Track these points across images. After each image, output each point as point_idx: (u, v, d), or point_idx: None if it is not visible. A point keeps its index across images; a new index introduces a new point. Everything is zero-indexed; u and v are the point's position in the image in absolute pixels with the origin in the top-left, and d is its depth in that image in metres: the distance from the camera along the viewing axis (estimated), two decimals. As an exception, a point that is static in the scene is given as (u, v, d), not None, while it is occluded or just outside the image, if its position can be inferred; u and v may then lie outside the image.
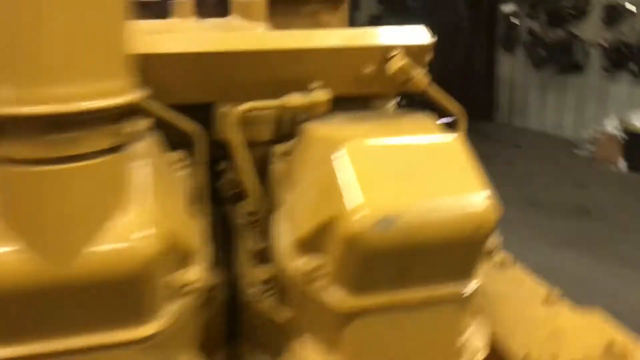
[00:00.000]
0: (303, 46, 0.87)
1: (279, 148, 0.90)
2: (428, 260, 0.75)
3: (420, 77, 0.88)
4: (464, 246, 0.76)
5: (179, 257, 0.73)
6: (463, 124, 0.93)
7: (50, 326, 0.67)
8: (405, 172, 0.74)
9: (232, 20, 1.02)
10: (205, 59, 0.85)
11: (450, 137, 0.80)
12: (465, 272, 0.79)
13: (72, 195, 0.63)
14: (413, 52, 0.88)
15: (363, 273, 0.73)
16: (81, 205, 0.64)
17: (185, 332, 0.78)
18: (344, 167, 0.74)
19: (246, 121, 0.85)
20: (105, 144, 0.64)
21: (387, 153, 0.76)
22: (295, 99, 0.86)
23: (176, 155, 0.86)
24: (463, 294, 0.79)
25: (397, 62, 0.86)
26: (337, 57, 0.87)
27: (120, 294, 0.67)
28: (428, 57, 0.91)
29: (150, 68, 0.77)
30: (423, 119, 0.88)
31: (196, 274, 0.75)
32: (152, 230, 0.66)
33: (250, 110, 0.86)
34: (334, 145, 0.76)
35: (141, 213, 0.66)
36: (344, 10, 1.10)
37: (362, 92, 0.92)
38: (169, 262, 0.70)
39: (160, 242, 0.66)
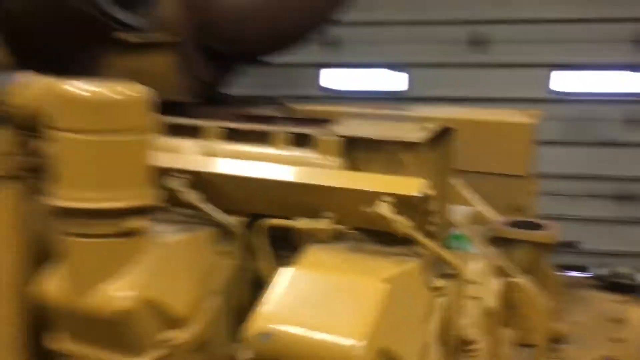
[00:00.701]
0: (314, 182, 1.06)
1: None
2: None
3: (400, 225, 0.97)
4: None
5: (163, 317, 1.01)
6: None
7: (75, 335, 1.03)
8: (311, 303, 0.87)
9: (307, 154, 1.24)
10: (251, 182, 1.12)
11: (372, 285, 0.90)
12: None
13: (92, 257, 0.98)
14: (404, 201, 0.98)
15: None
16: (96, 264, 0.98)
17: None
18: (278, 284, 0.92)
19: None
20: (112, 230, 0.97)
21: (313, 284, 0.90)
22: (301, 223, 1.06)
23: (220, 247, 1.14)
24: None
25: (379, 208, 0.98)
26: (338, 195, 1.04)
27: (110, 329, 0.98)
28: (424, 207, 0.99)
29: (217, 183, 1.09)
30: (386, 260, 0.98)
31: (177, 334, 1.02)
32: (131, 294, 0.95)
33: (272, 225, 1.09)
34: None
35: (129, 281, 0.97)
36: (422, 151, 1.22)
37: (361, 226, 1.05)
38: (148, 318, 0.98)
39: (134, 302, 0.95)
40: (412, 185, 1.01)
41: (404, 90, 8.18)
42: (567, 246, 1.82)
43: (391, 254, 1.02)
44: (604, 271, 2.00)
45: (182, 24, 1.92)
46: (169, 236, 1.06)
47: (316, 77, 8.34)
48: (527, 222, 1.54)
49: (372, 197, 1.01)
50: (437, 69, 7.80)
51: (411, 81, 8.02)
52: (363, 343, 0.82)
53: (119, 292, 0.96)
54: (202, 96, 2.13)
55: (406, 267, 0.98)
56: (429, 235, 1.03)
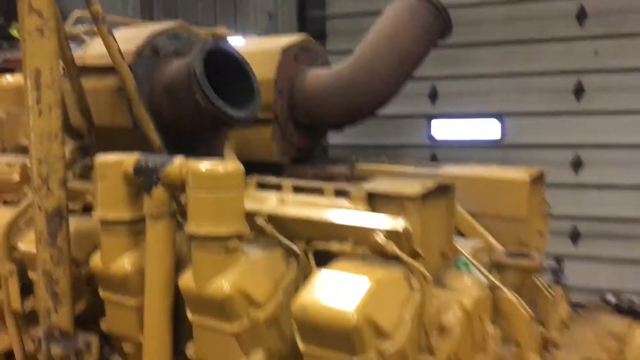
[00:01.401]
0: (341, 222, 1.69)
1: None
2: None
3: (389, 247, 1.56)
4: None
5: (249, 300, 1.67)
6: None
7: (197, 311, 1.72)
8: (332, 290, 1.50)
9: (344, 203, 1.88)
10: (305, 220, 1.78)
11: (368, 280, 1.50)
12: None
13: (209, 263, 1.68)
14: (392, 233, 1.58)
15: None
16: (211, 268, 1.67)
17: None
18: (314, 279, 1.56)
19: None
20: (221, 247, 1.66)
21: (335, 279, 1.53)
22: (334, 246, 1.70)
23: (286, 261, 1.80)
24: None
25: (378, 237, 1.58)
26: (355, 229, 1.66)
27: (218, 307, 1.66)
28: (407, 237, 1.58)
29: (285, 220, 1.77)
30: (381, 267, 1.58)
31: (259, 313, 1.67)
32: (230, 285, 1.63)
33: (317, 248, 1.74)
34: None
35: (230, 278, 1.65)
36: (418, 201, 1.81)
37: (369, 249, 1.66)
38: (240, 300, 1.65)
39: (232, 290, 1.63)
40: (397, 224, 1.61)
41: (499, 138, 8.57)
42: (553, 273, 2.27)
43: (385, 265, 1.62)
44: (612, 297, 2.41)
45: (277, 106, 2.67)
46: (256, 252, 1.74)
47: (424, 126, 9.02)
48: (518, 253, 2.06)
49: (372, 231, 1.62)
50: (536, 117, 8.17)
51: (508, 129, 8.40)
52: (355, 310, 1.44)
53: (224, 285, 1.65)
54: (296, 157, 2.85)
55: (392, 271, 1.57)
56: (412, 255, 1.62)
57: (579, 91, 7.80)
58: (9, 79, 3.31)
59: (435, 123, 8.73)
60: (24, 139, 2.86)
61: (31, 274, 2.18)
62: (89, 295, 2.13)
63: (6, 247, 2.25)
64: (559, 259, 2.43)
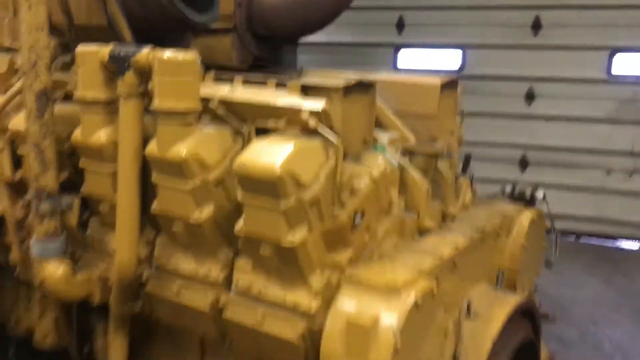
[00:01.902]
0: (270, 101, 2.12)
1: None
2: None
3: (312, 122, 2.00)
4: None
5: (202, 164, 2.11)
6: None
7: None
8: (268, 151, 1.94)
9: (282, 93, 2.30)
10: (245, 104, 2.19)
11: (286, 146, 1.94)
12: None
13: (171, 134, 2.10)
14: (315, 113, 2.01)
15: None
16: (171, 138, 2.10)
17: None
18: (250, 146, 2.01)
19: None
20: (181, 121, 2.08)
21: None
22: (270, 123, 2.13)
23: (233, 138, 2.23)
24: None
25: (304, 115, 2.01)
26: (284, 109, 2.08)
27: (172, 168, 2.10)
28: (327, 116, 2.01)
29: (232, 103, 2.19)
30: (296, 140, 2.02)
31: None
32: (184, 148, 2.07)
33: (256, 127, 2.17)
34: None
35: (188, 142, 2.08)
36: (342, 93, 2.24)
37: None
38: (196, 164, 2.09)
39: (186, 153, 2.07)
40: (318, 105, 2.04)
41: (462, 68, 9.06)
42: (463, 166, 2.75)
43: (308, 137, 2.05)
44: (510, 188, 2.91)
45: (236, 16, 3.03)
46: (209, 128, 2.16)
47: (391, 55, 9.43)
48: (426, 143, 2.53)
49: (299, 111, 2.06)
50: (495, 49, 8.62)
51: (468, 61, 8.87)
52: (280, 165, 1.89)
53: (182, 150, 2.07)
54: (253, 65, 3.23)
55: (313, 141, 2.01)
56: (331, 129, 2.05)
57: (536, 26, 8.20)
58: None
59: (401, 53, 9.14)
60: (7, 39, 3.19)
61: (20, 150, 2.58)
62: (70, 168, 2.55)
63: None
64: (468, 157, 2.90)
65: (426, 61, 8.82)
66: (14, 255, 2.76)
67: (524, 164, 8.40)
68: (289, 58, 3.78)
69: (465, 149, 7.86)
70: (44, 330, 2.85)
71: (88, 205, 2.60)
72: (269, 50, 3.31)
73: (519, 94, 8.21)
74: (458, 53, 8.61)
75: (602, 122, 7.98)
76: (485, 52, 8.28)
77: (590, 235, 8.30)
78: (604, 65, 7.84)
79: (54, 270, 2.39)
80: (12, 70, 2.85)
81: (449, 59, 8.70)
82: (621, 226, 8.19)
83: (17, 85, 2.62)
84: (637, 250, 8.03)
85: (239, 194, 2.02)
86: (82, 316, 2.82)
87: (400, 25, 8.80)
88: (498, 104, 8.24)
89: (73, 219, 2.49)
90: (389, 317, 1.86)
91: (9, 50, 3.09)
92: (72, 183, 2.55)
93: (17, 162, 2.66)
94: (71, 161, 2.55)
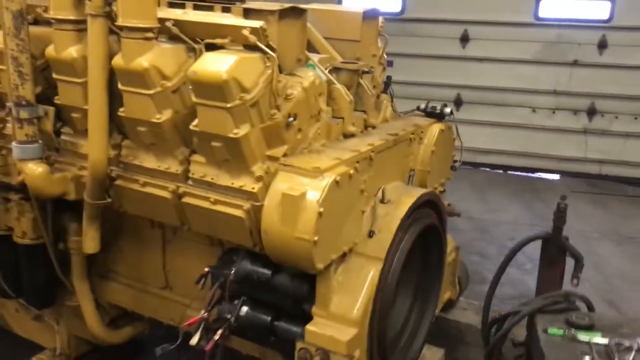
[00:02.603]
0: (217, 21, 2.55)
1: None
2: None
3: (250, 38, 2.45)
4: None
5: (162, 74, 2.54)
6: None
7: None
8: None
9: (227, 15, 2.73)
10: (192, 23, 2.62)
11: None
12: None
13: (134, 50, 2.52)
14: (253, 30, 2.45)
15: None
16: (133, 53, 2.52)
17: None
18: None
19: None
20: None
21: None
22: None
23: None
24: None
25: (247, 32, 2.46)
26: (226, 27, 2.52)
27: (136, 78, 2.53)
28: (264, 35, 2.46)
29: (180, 24, 2.61)
30: (239, 53, 2.48)
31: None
32: (145, 60, 2.49)
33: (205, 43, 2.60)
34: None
35: (148, 55, 2.51)
36: (278, 15, 2.68)
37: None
38: (156, 73, 2.52)
39: (147, 64, 2.49)
40: (257, 24, 2.49)
41: (402, 11, 9.55)
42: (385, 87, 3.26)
43: (250, 51, 2.50)
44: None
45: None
46: (166, 44, 2.58)
47: None
48: (351, 62, 3.02)
49: (241, 28, 2.50)
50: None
51: (408, 5, 9.35)
52: (226, 71, 2.34)
53: (143, 62, 2.49)
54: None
55: (253, 54, 2.47)
56: (267, 46, 2.51)
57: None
58: None
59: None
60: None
61: (-2, 66, 2.94)
62: (43, 81, 2.93)
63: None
64: (389, 78, 3.40)
65: (369, 3, 9.23)
66: (-5, 161, 3.14)
67: (458, 102, 9.04)
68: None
69: (406, 88, 8.42)
70: (23, 228, 3.27)
71: (61, 116, 2.99)
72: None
73: (455, 36, 8.78)
74: (400, -5, 9.05)
75: (529, 63, 8.66)
76: (424, -4, 8.77)
77: (516, 168, 9.10)
78: (531, 8, 8.46)
79: (34, 169, 2.81)
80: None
81: (392, 2, 9.14)
82: (544, 159, 9.00)
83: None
84: (557, 180, 8.88)
85: (193, 97, 2.47)
86: (56, 217, 3.25)
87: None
88: (435, 47, 8.80)
89: (49, 125, 2.89)
90: (314, 190, 2.38)
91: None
92: (45, 96, 2.93)
93: (-7, 79, 3.01)
94: (44, 76, 2.92)
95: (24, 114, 2.75)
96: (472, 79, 8.96)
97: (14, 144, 2.81)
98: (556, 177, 8.97)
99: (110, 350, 3.76)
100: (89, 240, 3.01)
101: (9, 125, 3.11)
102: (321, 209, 2.35)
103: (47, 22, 2.83)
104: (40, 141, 2.83)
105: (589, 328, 2.34)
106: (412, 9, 8.96)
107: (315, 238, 2.35)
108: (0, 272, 3.38)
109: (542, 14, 8.54)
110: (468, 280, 4.09)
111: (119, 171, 2.88)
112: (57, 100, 2.88)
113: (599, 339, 2.27)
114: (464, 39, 8.84)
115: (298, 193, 2.36)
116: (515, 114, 9.02)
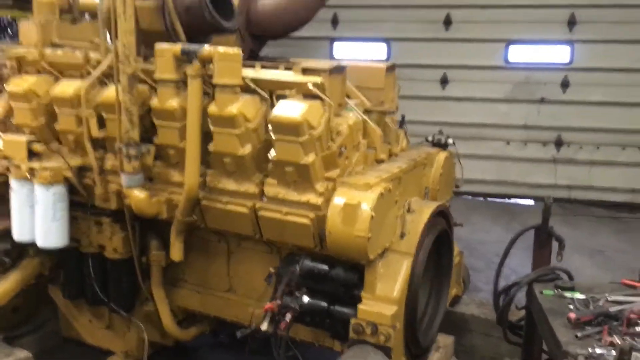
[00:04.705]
0: (273, 78, 3.42)
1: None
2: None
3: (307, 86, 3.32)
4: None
5: (245, 118, 3.39)
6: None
7: (217, 125, 3.45)
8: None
9: (284, 72, 3.61)
10: (260, 79, 3.50)
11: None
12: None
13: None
14: (315, 85, 3.33)
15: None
16: (225, 100, 3.38)
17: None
18: (278, 105, 3.33)
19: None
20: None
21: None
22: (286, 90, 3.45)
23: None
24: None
25: (307, 87, 3.33)
26: (284, 82, 3.39)
27: (226, 121, 3.38)
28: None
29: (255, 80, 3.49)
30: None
31: (248, 124, 3.41)
32: (234, 108, 3.35)
33: (272, 94, 3.48)
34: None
35: (235, 104, 3.37)
36: (327, 73, 3.59)
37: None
38: (241, 117, 3.37)
39: (235, 112, 3.35)
40: (317, 80, 3.37)
41: (387, 58, 10.68)
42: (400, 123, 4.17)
43: (311, 100, 3.37)
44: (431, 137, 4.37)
45: (238, 21, 4.30)
46: (247, 96, 3.44)
47: (327, 47, 10.94)
48: (378, 106, 3.92)
49: (306, 83, 3.37)
50: (415, 42, 10.30)
51: (393, 52, 10.51)
52: (299, 115, 3.20)
53: (233, 109, 3.34)
54: (250, 56, 4.51)
55: (315, 102, 3.34)
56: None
57: (447, 22, 9.83)
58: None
59: (336, 45, 10.60)
60: (56, 38, 4.30)
61: (105, 115, 3.75)
62: (141, 127, 3.76)
63: (87, 100, 3.78)
64: (403, 117, 4.31)
65: (357, 53, 10.31)
66: (98, 191, 3.90)
67: (440, 137, 10.00)
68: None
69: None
70: (115, 245, 4.04)
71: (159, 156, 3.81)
72: (259, 46, 4.60)
73: (435, 79, 9.86)
74: (384, 46, 10.16)
75: (501, 101, 9.77)
76: (406, 44, 9.86)
77: (495, 195, 10.09)
78: (501, 54, 9.62)
79: (138, 195, 3.61)
80: (86, 61, 3.98)
81: (377, 51, 10.22)
82: (518, 187, 10.02)
83: (99, 70, 3.78)
84: (532, 205, 9.88)
85: (272, 135, 3.32)
86: (142, 235, 4.03)
87: (334, 22, 10.23)
88: (418, 88, 9.86)
89: (149, 159, 3.70)
90: (367, 200, 3.23)
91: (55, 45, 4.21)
92: (146, 137, 3.75)
93: (100, 124, 3.81)
94: (142, 123, 3.75)
95: (132, 152, 3.57)
96: (451, 116, 10.00)
97: (123, 175, 3.61)
98: (531, 202, 9.98)
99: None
100: (177, 251, 3.80)
101: (107, 161, 3.90)
102: (373, 214, 3.20)
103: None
104: (141, 173, 3.64)
105: (572, 289, 3.24)
106: (396, 56, 10.03)
107: (369, 235, 3.19)
108: (97, 283, 4.12)
109: (511, 58, 9.72)
110: (470, 280, 4.95)
111: (204, 194, 3.69)
112: (157, 140, 3.70)
113: (579, 295, 3.18)
114: (444, 81, 9.92)
115: (356, 202, 3.21)
116: (491, 146, 10.06)
